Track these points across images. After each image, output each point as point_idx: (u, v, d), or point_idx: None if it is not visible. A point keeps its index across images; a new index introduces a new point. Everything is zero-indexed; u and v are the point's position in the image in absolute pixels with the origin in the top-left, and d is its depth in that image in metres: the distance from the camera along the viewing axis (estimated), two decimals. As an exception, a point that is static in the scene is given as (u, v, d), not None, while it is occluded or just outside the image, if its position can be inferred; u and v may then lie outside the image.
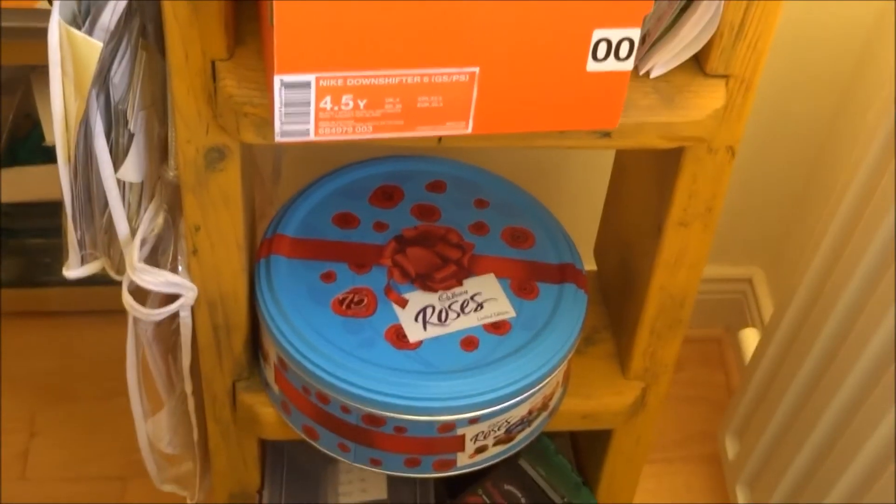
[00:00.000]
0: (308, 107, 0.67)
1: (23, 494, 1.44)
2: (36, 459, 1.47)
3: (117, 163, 0.80)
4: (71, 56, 0.74)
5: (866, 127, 1.04)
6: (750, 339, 1.39)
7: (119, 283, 0.87)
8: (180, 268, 0.87)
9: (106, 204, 0.83)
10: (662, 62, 0.76)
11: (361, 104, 0.68)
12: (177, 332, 0.93)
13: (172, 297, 0.88)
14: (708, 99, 0.77)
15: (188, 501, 1.13)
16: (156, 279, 0.85)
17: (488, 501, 1.02)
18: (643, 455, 1.08)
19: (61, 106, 0.76)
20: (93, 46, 0.73)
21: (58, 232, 0.87)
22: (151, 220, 0.85)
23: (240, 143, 0.78)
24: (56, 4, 0.72)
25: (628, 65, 0.69)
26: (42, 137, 1.33)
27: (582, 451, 1.17)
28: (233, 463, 1.04)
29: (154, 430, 1.02)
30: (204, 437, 1.03)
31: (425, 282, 0.92)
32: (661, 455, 1.51)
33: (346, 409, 0.89)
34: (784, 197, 1.43)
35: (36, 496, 1.44)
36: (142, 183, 0.84)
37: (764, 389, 1.26)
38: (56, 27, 0.72)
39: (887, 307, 1.00)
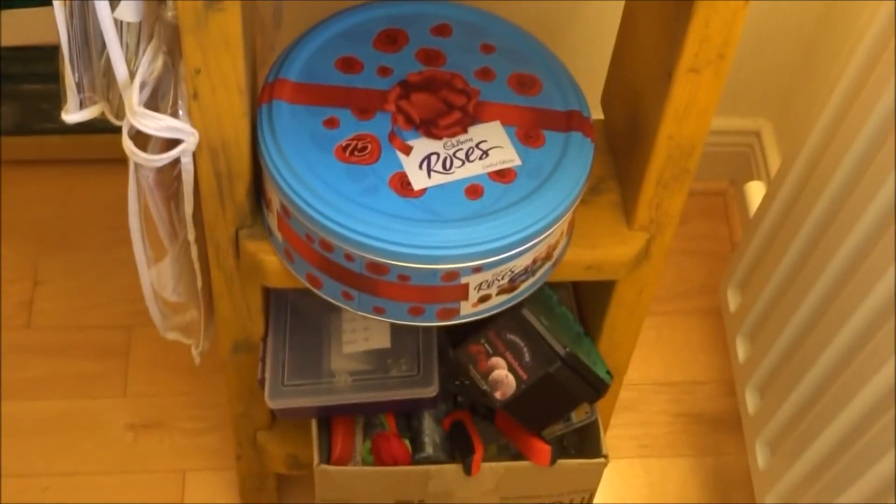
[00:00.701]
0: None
1: (28, 343, 1.46)
2: (40, 308, 1.48)
3: (114, 1, 0.78)
4: None
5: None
6: (755, 192, 1.39)
7: (119, 131, 0.86)
8: (181, 112, 0.85)
9: (103, 45, 0.81)
10: None
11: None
12: (178, 178, 0.92)
13: (173, 144, 0.87)
14: (724, -63, 0.75)
15: (193, 349, 1.14)
16: (156, 124, 0.84)
17: (491, 350, 1.03)
18: (645, 307, 1.09)
19: (55, -58, 0.74)
20: None
21: (56, 77, 0.85)
22: (150, 63, 0.83)
23: (240, -19, 0.76)
24: None
25: None
26: (37, -22, 1.31)
27: (584, 303, 1.18)
28: (236, 311, 1.05)
29: (158, 278, 1.02)
30: (207, 285, 1.03)
31: (430, 128, 0.91)
32: (662, 307, 1.52)
33: (349, 257, 0.89)
34: (794, 49, 1.41)
35: (41, 345, 1.46)
36: (140, 24, 0.81)
37: (768, 242, 1.26)
38: None
39: (893, 162, 0.99)
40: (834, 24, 1.34)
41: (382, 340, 1.09)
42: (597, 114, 1.02)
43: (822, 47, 1.37)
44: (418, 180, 0.89)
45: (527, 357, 1.02)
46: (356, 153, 0.90)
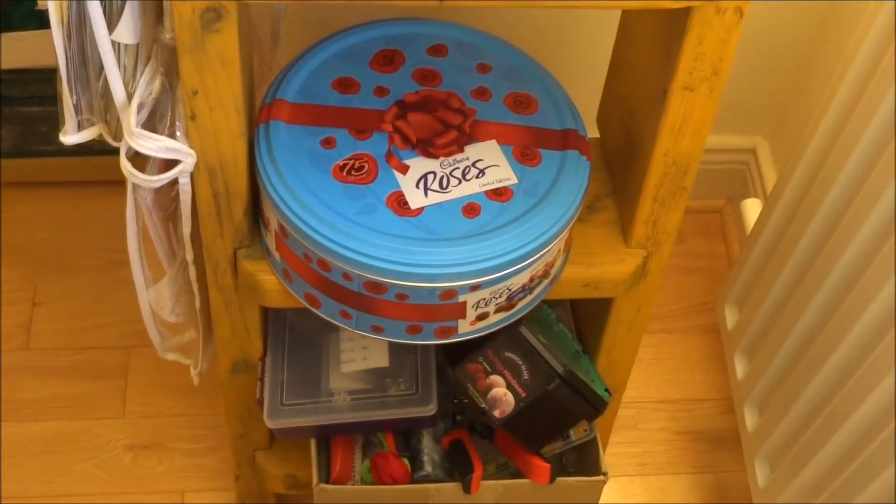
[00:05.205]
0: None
1: (27, 364, 1.46)
2: (39, 329, 1.48)
3: (111, 24, 0.78)
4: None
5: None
6: (752, 209, 1.39)
7: (117, 153, 0.86)
8: (178, 133, 0.86)
9: (101, 67, 0.81)
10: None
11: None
12: (176, 199, 0.92)
13: (171, 164, 0.87)
14: (717, -44, 0.75)
15: (192, 370, 1.14)
16: (154, 144, 0.84)
17: (489, 368, 1.03)
18: (643, 324, 1.09)
19: (53, -35, 0.75)
20: None
21: (55, 100, 0.86)
22: (148, 84, 0.83)
23: (237, 1, 0.76)
24: None
25: (636, -81, 0.67)
26: (34, 2, 1.31)
27: (582, 321, 1.18)
28: (235, 331, 1.05)
29: (156, 298, 1.02)
30: (206, 305, 1.03)
31: (427, 148, 0.91)
32: (661, 325, 1.52)
33: (347, 277, 0.89)
34: (789, 66, 1.41)
35: (40, 366, 1.46)
36: (137, 46, 0.82)
37: (765, 259, 1.26)
38: None
39: (889, 177, 0.99)
40: (829, 41, 1.35)
41: (381, 359, 1.09)
42: (592, 132, 1.02)
43: (817, 64, 1.38)
44: (415, 199, 0.89)
45: (525, 375, 1.02)
46: (353, 173, 0.90)
